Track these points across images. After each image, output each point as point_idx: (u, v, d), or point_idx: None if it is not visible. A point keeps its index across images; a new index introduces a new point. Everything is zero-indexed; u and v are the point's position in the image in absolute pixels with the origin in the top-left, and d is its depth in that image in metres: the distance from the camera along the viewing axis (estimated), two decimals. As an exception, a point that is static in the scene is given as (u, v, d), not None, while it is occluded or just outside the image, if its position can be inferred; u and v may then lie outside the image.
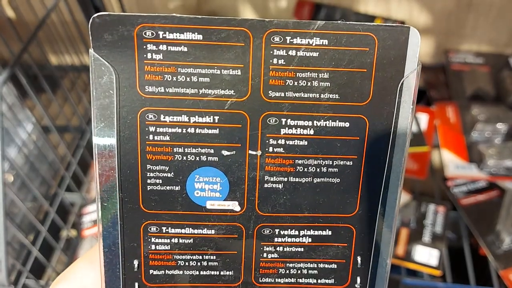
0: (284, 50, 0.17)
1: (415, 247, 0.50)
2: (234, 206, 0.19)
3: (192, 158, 0.18)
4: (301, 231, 0.19)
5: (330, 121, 0.18)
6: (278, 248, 0.20)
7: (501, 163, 0.54)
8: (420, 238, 0.51)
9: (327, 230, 0.19)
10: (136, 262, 0.19)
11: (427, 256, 0.50)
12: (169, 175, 0.18)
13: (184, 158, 0.18)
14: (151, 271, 0.20)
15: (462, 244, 0.53)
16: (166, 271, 0.20)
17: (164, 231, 0.19)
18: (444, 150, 0.57)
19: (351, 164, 0.19)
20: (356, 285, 0.20)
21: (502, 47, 0.65)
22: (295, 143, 0.18)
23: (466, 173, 0.55)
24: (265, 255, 0.20)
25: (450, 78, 0.62)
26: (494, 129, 0.56)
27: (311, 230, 0.19)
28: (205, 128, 0.18)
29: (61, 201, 0.56)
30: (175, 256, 0.19)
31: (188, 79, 0.17)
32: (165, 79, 0.17)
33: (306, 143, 0.18)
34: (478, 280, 0.50)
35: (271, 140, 0.18)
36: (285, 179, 0.19)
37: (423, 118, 0.60)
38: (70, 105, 0.59)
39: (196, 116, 0.18)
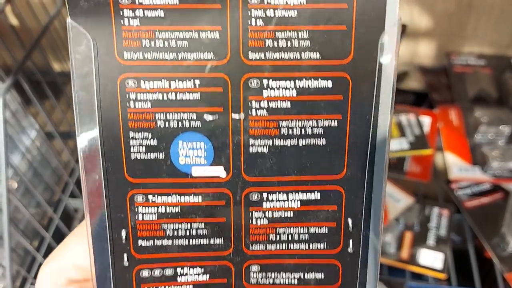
0: (262, 11, 0.17)
1: (420, 251, 0.50)
2: (220, 172, 0.19)
3: (175, 124, 0.18)
4: (289, 195, 0.19)
5: (312, 80, 0.18)
6: (267, 214, 0.19)
7: (505, 165, 0.54)
8: (425, 241, 0.51)
9: (316, 193, 0.19)
10: (124, 233, 0.19)
11: (431, 259, 0.49)
12: (152, 142, 0.18)
13: (167, 124, 0.18)
14: (139, 242, 0.19)
15: (467, 247, 0.52)
16: (155, 241, 0.19)
17: (150, 201, 0.19)
18: (447, 153, 0.57)
19: (336, 124, 0.18)
20: (348, 249, 0.20)
21: (504, 49, 0.65)
22: (278, 105, 0.18)
23: (470, 176, 0.55)
24: (254, 221, 0.19)
25: (453, 81, 0.62)
26: (497, 131, 0.56)
27: (300, 193, 0.19)
28: (186, 93, 0.18)
29: (65, 207, 0.56)
30: (163, 225, 0.19)
31: (166, 44, 0.17)
32: (143, 45, 0.17)
33: (289, 104, 0.18)
34: (484, 283, 0.50)
35: (253, 102, 0.18)
36: (270, 142, 0.18)
37: (426, 121, 0.60)
38: (73, 111, 0.59)
39: (176, 81, 0.18)
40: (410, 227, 0.52)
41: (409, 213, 0.53)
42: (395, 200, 0.54)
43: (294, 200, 0.19)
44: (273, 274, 0.20)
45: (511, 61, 0.63)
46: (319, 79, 0.18)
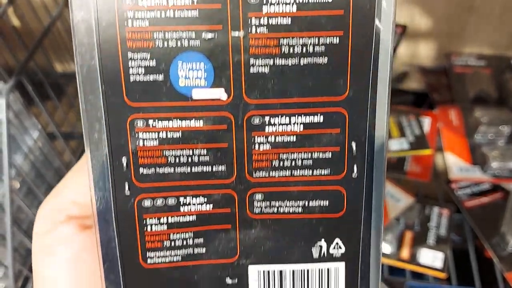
0: None
1: (420, 250, 0.50)
2: (221, 94, 0.18)
3: (173, 43, 0.17)
4: (292, 118, 0.19)
5: None
6: (269, 139, 0.19)
7: (504, 165, 0.54)
8: (425, 241, 0.51)
9: (319, 115, 0.19)
10: (124, 160, 0.18)
11: (432, 258, 0.50)
12: (151, 63, 0.18)
13: (165, 44, 0.17)
14: (140, 170, 0.19)
15: (467, 246, 0.53)
16: (157, 169, 0.19)
17: (151, 125, 0.18)
18: (447, 153, 0.57)
19: (338, 41, 0.18)
20: (353, 175, 0.19)
21: (504, 49, 0.65)
22: (279, 22, 0.17)
23: (469, 176, 0.55)
24: (257, 146, 0.19)
25: (453, 81, 0.63)
26: (497, 131, 0.56)
27: (302, 116, 0.19)
28: (184, 11, 0.17)
29: (67, 207, 0.56)
30: (164, 152, 0.19)
31: None
32: None
33: (289, 21, 0.18)
34: (484, 282, 0.50)
35: (253, 19, 0.17)
36: (271, 61, 0.18)
37: (426, 121, 0.60)
38: (75, 112, 0.60)
39: None
40: (410, 226, 0.52)
41: (409, 213, 0.53)
42: (396, 199, 0.54)
43: (297, 124, 0.19)
44: (277, 202, 0.19)
45: (511, 62, 0.63)
46: None
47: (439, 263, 0.49)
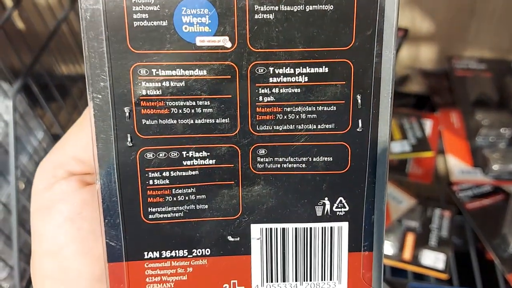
0: None
1: (422, 251, 0.51)
2: (225, 41, 0.18)
3: None
4: (296, 69, 0.18)
5: None
6: (273, 90, 0.18)
7: (505, 168, 0.54)
8: (427, 242, 0.51)
9: (324, 66, 0.18)
10: (127, 110, 0.18)
11: (433, 260, 0.50)
12: (155, 8, 0.17)
13: None
14: (143, 121, 0.18)
15: (469, 248, 0.53)
16: (159, 120, 0.18)
17: (154, 74, 0.18)
18: (449, 155, 0.57)
19: None
20: (357, 129, 0.19)
21: (504, 53, 0.65)
22: None
23: (471, 178, 0.55)
24: (260, 98, 0.18)
25: (454, 84, 0.63)
26: (498, 134, 0.57)
27: (307, 67, 0.18)
28: None
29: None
30: (167, 102, 0.18)
31: None
32: None
33: None
34: (485, 283, 0.50)
35: None
36: (276, 7, 0.17)
37: (428, 124, 0.60)
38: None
39: None
40: (412, 228, 0.53)
41: (411, 215, 0.53)
42: (398, 201, 0.54)
43: (302, 75, 0.18)
44: (280, 158, 0.19)
45: (511, 65, 0.64)
46: None
47: (440, 264, 0.50)
